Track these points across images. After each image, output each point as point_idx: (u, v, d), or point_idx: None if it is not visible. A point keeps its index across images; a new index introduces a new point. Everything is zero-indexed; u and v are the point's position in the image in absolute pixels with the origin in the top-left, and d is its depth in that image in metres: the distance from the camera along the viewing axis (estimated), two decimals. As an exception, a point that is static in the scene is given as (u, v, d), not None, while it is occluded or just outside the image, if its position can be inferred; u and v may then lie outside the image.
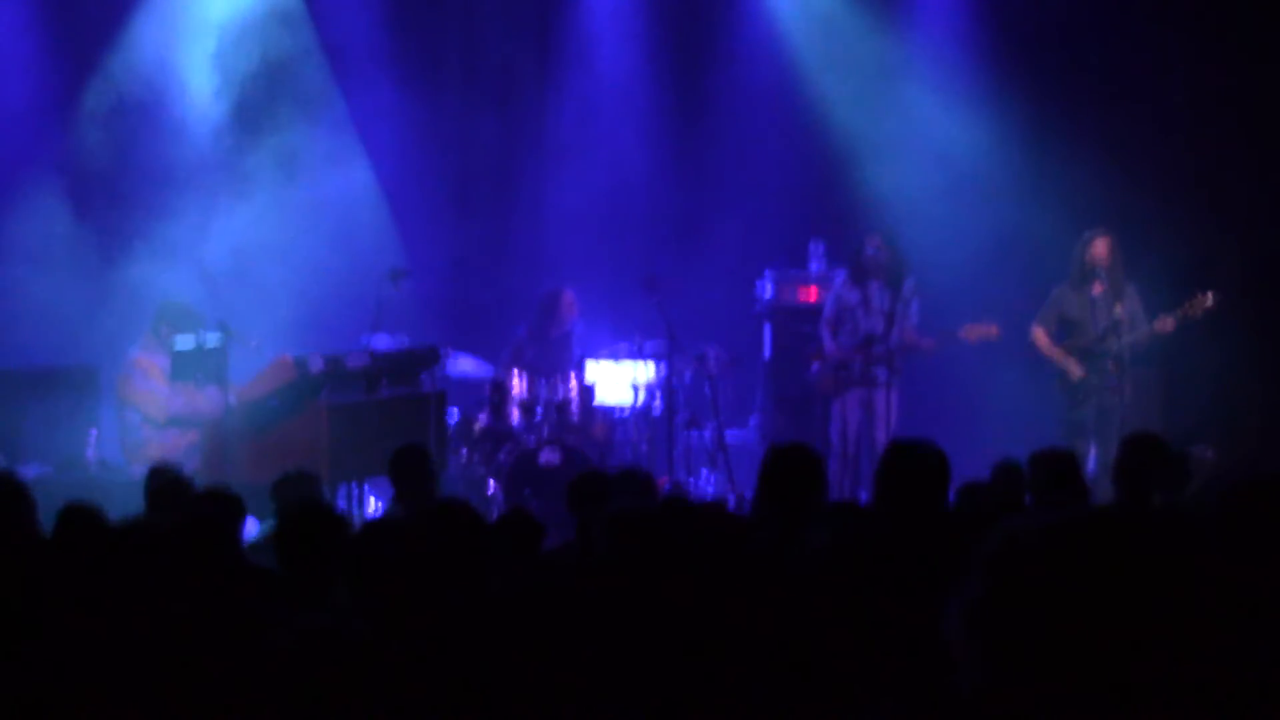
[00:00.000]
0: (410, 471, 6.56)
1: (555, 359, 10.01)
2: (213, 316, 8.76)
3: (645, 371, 10.19)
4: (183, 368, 8.36)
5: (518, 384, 9.60)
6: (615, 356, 10.29)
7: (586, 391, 9.75)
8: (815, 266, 10.69)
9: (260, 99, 10.81)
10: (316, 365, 8.14)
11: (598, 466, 8.87)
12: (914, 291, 9.46)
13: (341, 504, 7.97)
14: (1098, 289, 9.27)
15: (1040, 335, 9.45)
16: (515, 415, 9.58)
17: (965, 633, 2.02)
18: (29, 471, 8.35)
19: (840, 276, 9.72)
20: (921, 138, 11.02)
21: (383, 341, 9.07)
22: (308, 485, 6.41)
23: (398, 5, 11.41)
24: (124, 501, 6.48)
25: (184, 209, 10.62)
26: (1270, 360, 10.33)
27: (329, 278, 10.54)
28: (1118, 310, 9.15)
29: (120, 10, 10.73)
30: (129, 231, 10.42)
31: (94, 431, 8.99)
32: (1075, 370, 9.24)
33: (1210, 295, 8.97)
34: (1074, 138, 10.63)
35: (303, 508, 4.60)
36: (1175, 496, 5.78)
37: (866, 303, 9.44)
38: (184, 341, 8.44)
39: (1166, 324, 9.08)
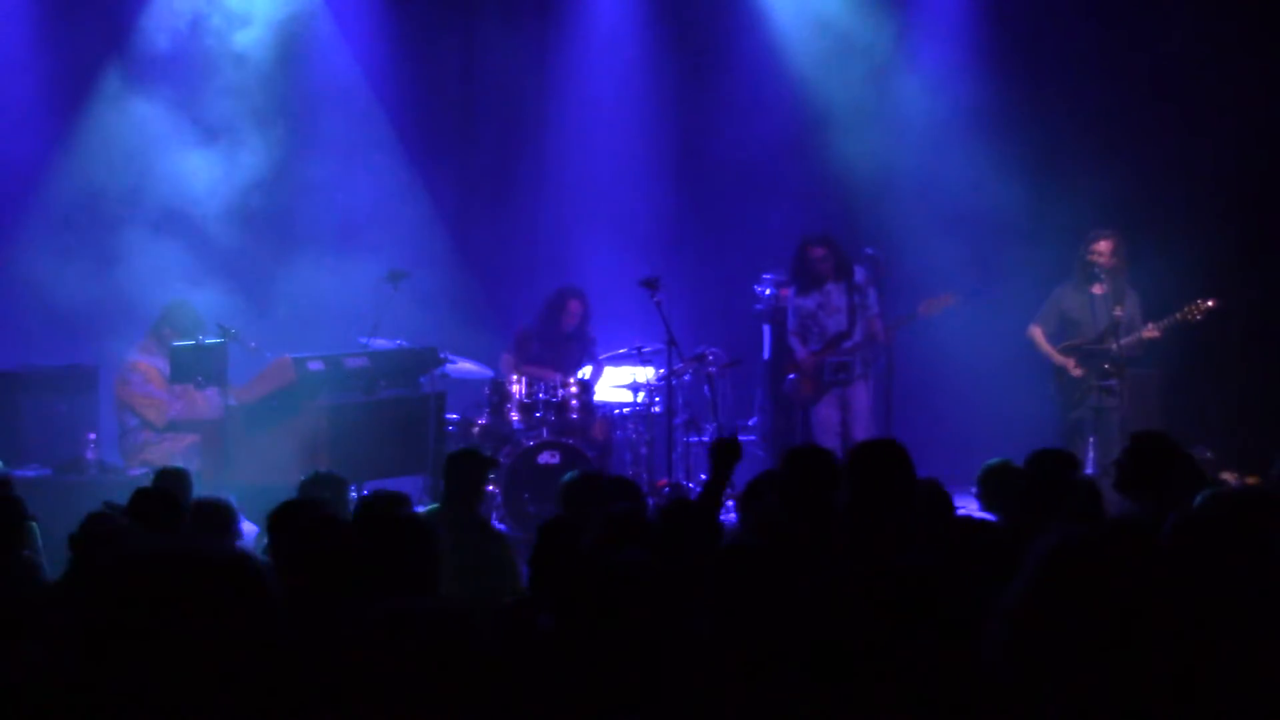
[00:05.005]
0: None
1: (561, 355, 10.00)
2: (213, 319, 8.77)
3: (645, 372, 10.18)
4: (181, 369, 8.35)
5: (518, 385, 9.59)
6: (615, 358, 10.29)
7: (586, 392, 9.74)
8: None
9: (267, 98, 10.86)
10: (316, 366, 8.14)
11: (597, 468, 8.87)
12: (869, 280, 9.59)
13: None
14: (1099, 289, 9.25)
15: (1037, 334, 9.45)
16: (515, 416, 9.57)
17: (1009, 630, 2.17)
18: (28, 473, 8.35)
19: (791, 290, 9.85)
20: (921, 138, 11.01)
21: (381, 344, 9.07)
22: (335, 487, 6.37)
23: (398, 10, 11.41)
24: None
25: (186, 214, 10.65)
26: (1270, 360, 10.31)
27: (330, 278, 10.54)
28: (1118, 312, 9.14)
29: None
30: (131, 231, 10.42)
31: (92, 435, 8.97)
32: (1074, 368, 9.23)
33: (1211, 299, 8.96)
34: (1078, 138, 10.62)
35: None
36: (1184, 499, 5.66)
37: (825, 305, 9.66)
38: (183, 342, 8.43)
39: (1153, 332, 9.08)
